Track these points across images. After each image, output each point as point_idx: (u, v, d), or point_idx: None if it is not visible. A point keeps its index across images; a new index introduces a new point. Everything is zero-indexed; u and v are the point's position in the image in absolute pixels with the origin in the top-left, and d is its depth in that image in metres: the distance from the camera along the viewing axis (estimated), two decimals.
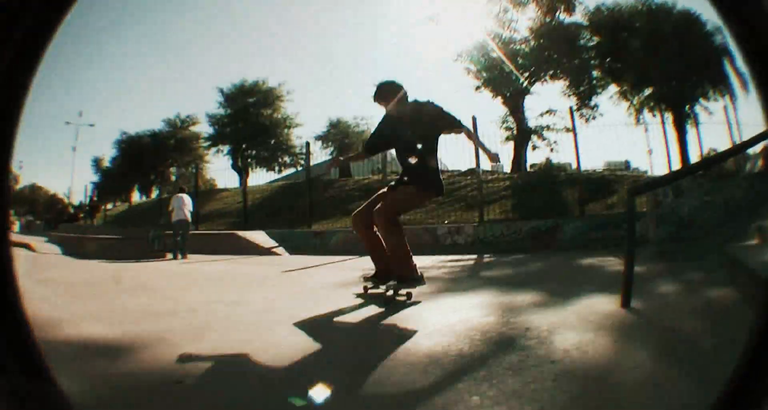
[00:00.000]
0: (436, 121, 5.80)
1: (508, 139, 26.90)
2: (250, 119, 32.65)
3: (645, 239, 10.55)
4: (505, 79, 26.48)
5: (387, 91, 5.93)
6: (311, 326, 4.49)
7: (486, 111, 46.62)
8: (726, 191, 11.11)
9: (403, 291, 5.61)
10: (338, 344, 3.86)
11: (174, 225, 14.77)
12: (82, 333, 4.16)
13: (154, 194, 35.57)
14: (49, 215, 39.07)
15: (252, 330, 4.38)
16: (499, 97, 27.11)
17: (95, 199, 28.06)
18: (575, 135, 17.50)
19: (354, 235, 6.68)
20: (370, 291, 6.03)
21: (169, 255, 14.44)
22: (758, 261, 5.08)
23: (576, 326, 4.03)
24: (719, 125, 24.61)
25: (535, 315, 4.56)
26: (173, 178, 35.83)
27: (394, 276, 5.71)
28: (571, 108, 21.60)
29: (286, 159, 34.29)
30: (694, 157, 25.33)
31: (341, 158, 6.49)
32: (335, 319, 4.81)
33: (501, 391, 2.60)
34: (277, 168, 34.22)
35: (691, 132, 26.28)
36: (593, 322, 4.16)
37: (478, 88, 27.47)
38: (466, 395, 2.56)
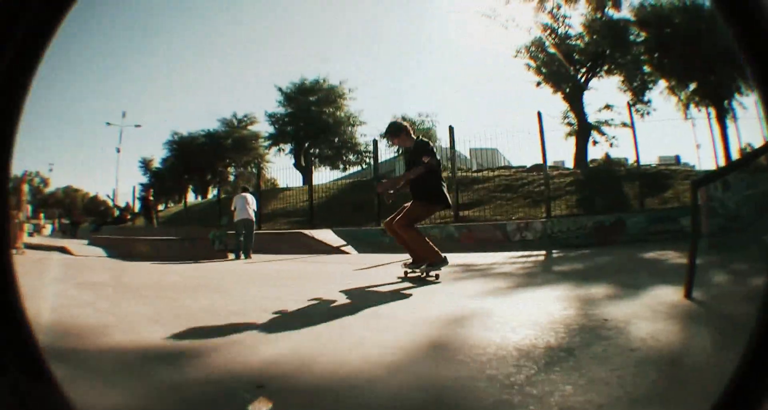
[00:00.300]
0: (419, 153, 7.73)
1: (570, 134, 27.22)
2: (312, 118, 32.83)
3: (698, 232, 10.55)
4: (564, 75, 26.87)
5: (390, 132, 8.18)
6: (394, 323, 4.43)
7: (533, 107, 46.54)
8: (763, 184, 11.15)
9: (433, 273, 7.37)
10: (429, 344, 3.73)
11: (237, 225, 14.71)
12: (139, 339, 3.93)
13: (210, 195, 35.88)
14: (93, 217, 39.23)
15: (332, 329, 4.27)
16: (559, 93, 27.37)
17: (151, 199, 28.20)
18: (634, 130, 18.02)
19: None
20: (409, 275, 7.61)
21: (231, 256, 14.49)
22: None
23: (648, 316, 4.20)
24: (753, 120, 24.86)
25: (610, 307, 4.76)
26: (231, 177, 36.19)
27: (425, 262, 7.42)
28: (629, 103, 22.80)
29: (351, 157, 34.53)
30: (734, 153, 25.51)
31: (385, 182, 8.50)
32: (420, 317, 4.70)
33: (590, 379, 2.68)
34: (341, 166, 34.62)
35: (731, 127, 26.41)
36: (662, 312, 4.36)
37: (538, 84, 27.87)
38: (560, 385, 2.62)
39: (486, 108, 64.79)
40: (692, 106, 27.15)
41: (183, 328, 4.25)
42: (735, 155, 25.56)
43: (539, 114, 16.67)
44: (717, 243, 9.87)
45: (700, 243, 9.30)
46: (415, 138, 8.05)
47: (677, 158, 31.07)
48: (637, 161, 17.95)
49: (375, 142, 21.56)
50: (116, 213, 32.44)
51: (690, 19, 24.65)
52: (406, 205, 7.90)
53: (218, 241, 15.34)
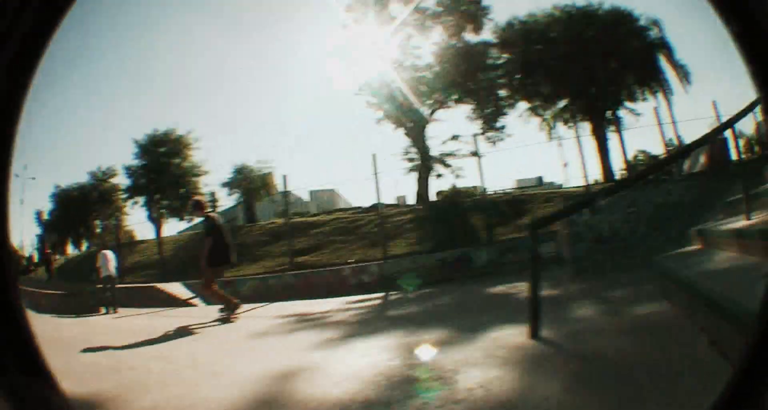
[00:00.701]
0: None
1: (411, 170, 27.06)
2: (161, 169, 32.28)
3: (560, 259, 10.65)
4: (407, 110, 26.22)
5: (191, 207, 11.67)
6: (229, 378, 4.80)
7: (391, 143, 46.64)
8: (657, 197, 11.11)
9: (233, 317, 9.55)
10: (257, 400, 3.98)
11: (103, 281, 15.32)
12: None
13: (84, 247, 35.27)
14: None
15: (182, 385, 4.64)
16: (402, 128, 27.37)
17: (49, 251, 27.33)
18: (479, 160, 18.08)
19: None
20: (220, 316, 9.58)
21: (103, 310, 14.69)
22: (694, 271, 5.05)
23: (481, 362, 4.15)
24: (649, 128, 25.03)
25: (440, 354, 4.73)
26: (98, 230, 35.58)
27: (229, 308, 9.74)
28: (474, 135, 23.22)
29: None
30: (617, 163, 25.96)
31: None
32: (253, 371, 4.92)
33: None
34: (187, 218, 34.00)
35: (615, 138, 26.77)
36: (500, 357, 4.26)
37: (379, 120, 27.55)
38: None
39: (331, 147, 64.30)
40: (560, 124, 27.23)
41: (81, 384, 4.60)
42: (618, 165, 26.06)
43: (374, 156, 17.19)
44: (586, 269, 9.77)
45: (562, 271, 9.69)
46: (205, 212, 10.92)
47: (540, 179, 31.03)
48: (483, 192, 18.29)
49: (213, 194, 22.85)
50: (25, 263, 31.53)
51: (575, 28, 24.80)
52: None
53: (93, 296, 15.60)
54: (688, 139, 19.59)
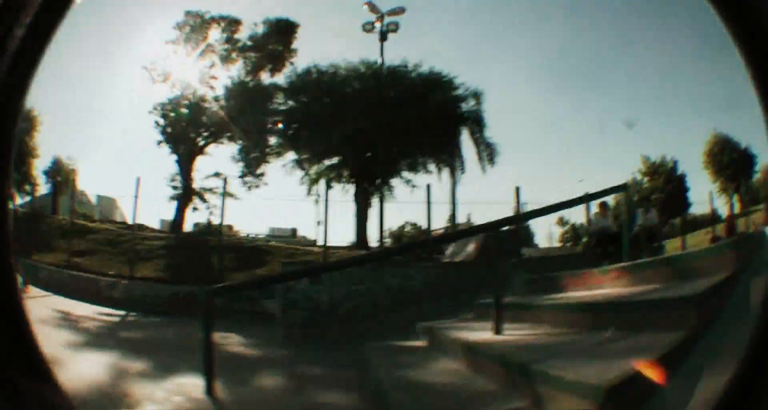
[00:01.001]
0: None
1: (172, 198, 24.85)
2: (19, 143, 32.23)
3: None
4: (185, 137, 24.91)
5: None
6: None
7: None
8: (394, 279, 11.07)
9: (25, 290, 9.25)
10: None
11: None
12: None
13: None
14: None
15: None
16: (175, 155, 25.25)
17: None
18: (224, 204, 19.33)
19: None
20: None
21: None
22: (394, 375, 4.95)
23: (158, 401, 4.62)
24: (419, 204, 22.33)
25: (136, 383, 5.31)
26: None
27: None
28: (225, 178, 22.69)
29: (27, 188, 33.81)
30: (374, 232, 23.68)
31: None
32: None
33: None
34: (20, 196, 33.08)
35: (390, 206, 23.88)
36: (174, 403, 4.69)
37: (159, 142, 24.77)
38: None
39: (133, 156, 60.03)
40: (324, 181, 24.37)
41: None
42: (376, 234, 23.63)
43: (138, 179, 17.82)
44: (297, 335, 10.03)
45: (278, 332, 10.20)
46: None
47: (294, 231, 27.45)
48: (220, 237, 19.01)
49: (34, 179, 23.18)
50: None
51: (374, 86, 24.05)
52: None
53: None
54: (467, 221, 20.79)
